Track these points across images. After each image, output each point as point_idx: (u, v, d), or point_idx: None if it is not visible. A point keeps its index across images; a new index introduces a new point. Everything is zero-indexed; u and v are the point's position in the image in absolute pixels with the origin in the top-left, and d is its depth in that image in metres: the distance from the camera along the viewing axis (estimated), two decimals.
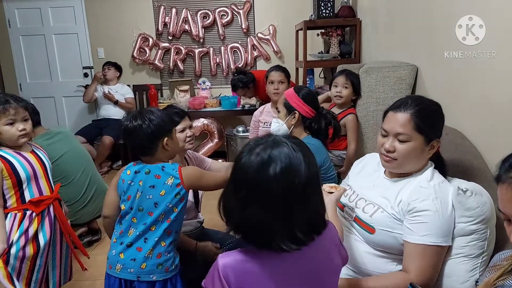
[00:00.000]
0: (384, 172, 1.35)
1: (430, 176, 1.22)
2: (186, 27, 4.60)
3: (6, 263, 1.55)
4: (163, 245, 1.35)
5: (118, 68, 4.52)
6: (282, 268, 0.84)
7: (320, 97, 2.71)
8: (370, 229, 1.24)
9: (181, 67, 4.71)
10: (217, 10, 4.55)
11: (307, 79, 3.45)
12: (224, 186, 0.88)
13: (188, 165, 1.90)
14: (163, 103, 4.20)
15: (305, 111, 1.82)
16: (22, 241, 1.59)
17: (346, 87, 2.35)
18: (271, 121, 2.07)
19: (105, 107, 4.45)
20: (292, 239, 0.80)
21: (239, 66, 4.57)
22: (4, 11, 4.65)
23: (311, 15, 3.51)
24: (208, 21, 4.58)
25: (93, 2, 4.62)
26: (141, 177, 1.36)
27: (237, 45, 4.63)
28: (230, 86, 3.99)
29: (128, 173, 1.39)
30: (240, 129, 4.13)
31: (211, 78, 4.75)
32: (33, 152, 1.73)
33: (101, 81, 4.48)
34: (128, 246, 1.36)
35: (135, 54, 4.66)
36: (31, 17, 4.66)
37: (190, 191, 1.84)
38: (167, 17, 4.58)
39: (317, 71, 4.13)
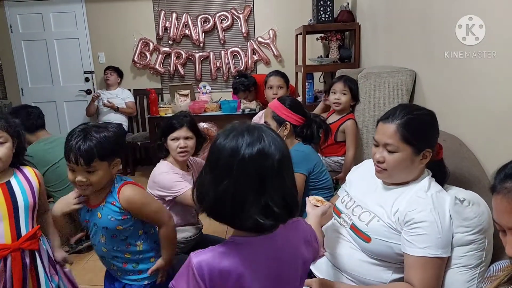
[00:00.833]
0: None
1: (427, 186, 1.21)
2: (187, 31, 4.61)
3: None
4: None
5: (120, 73, 4.55)
6: (255, 259, 0.85)
7: (317, 108, 2.71)
8: (365, 238, 1.23)
9: (182, 72, 4.72)
10: (217, 15, 4.57)
11: (307, 84, 3.44)
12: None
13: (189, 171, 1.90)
14: (163, 107, 4.20)
15: (295, 120, 1.81)
16: None
17: (344, 94, 2.34)
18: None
19: (106, 112, 4.46)
20: (267, 213, 0.80)
21: (239, 70, 4.58)
22: (6, 16, 4.68)
23: (310, 19, 3.51)
24: (209, 25, 4.59)
25: (94, 7, 4.64)
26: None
27: (237, 49, 4.64)
28: (230, 90, 3.99)
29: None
30: None
31: (211, 82, 4.76)
32: (5, 185, 1.41)
33: (96, 101, 4.50)
34: None
35: (135, 59, 4.67)
36: (32, 22, 4.69)
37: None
38: (167, 22, 4.60)
39: (317, 75, 4.13)
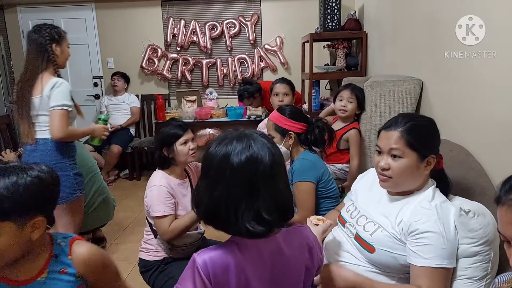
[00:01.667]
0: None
1: (431, 196, 1.21)
2: (194, 38, 4.65)
3: None
4: None
5: (127, 78, 4.61)
6: (256, 258, 0.86)
7: (324, 111, 2.72)
8: (370, 248, 1.22)
9: (189, 78, 4.75)
10: (225, 22, 4.61)
11: (313, 91, 3.46)
12: None
13: (188, 176, 1.91)
14: (170, 113, 4.23)
15: (298, 128, 1.80)
16: None
17: (351, 102, 2.34)
18: None
19: (113, 117, 4.50)
20: (258, 220, 0.82)
21: (245, 77, 4.60)
22: (19, 22, 4.77)
23: (318, 27, 3.53)
24: (216, 32, 4.63)
25: (104, 14, 4.71)
26: None
27: (244, 56, 4.67)
28: (236, 97, 4.01)
29: None
30: None
31: (218, 88, 4.79)
32: None
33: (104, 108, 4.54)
34: None
35: (144, 65, 4.72)
36: None
37: (190, 201, 1.85)
38: (175, 29, 4.64)
39: (323, 83, 4.13)
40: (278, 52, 4.62)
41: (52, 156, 1.96)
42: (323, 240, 1.36)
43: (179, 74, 4.74)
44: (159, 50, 4.68)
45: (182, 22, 4.62)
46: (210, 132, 4.36)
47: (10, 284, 0.95)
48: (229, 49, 4.68)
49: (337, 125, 2.42)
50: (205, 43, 4.65)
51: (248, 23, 4.58)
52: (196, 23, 4.62)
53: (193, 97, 4.58)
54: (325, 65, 3.80)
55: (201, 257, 0.84)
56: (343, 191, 2.30)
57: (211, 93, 4.69)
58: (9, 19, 4.77)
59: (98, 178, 2.68)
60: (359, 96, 2.34)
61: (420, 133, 1.21)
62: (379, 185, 1.31)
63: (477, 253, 1.13)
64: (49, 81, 2.01)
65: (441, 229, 1.12)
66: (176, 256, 1.79)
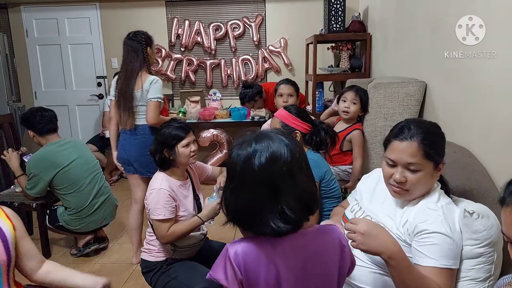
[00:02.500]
0: None
1: (437, 197, 1.20)
2: (199, 39, 4.66)
3: None
4: None
5: None
6: (286, 252, 0.88)
7: (325, 112, 2.71)
8: None
9: (193, 78, 4.76)
10: (229, 23, 4.62)
11: (317, 92, 3.45)
12: None
13: (189, 176, 1.91)
14: (173, 113, 4.24)
15: (304, 128, 1.82)
16: None
17: (354, 103, 2.34)
18: None
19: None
20: (282, 219, 0.84)
21: (246, 79, 4.60)
22: (23, 21, 4.79)
23: (322, 29, 3.53)
24: (220, 33, 4.64)
25: (108, 14, 4.73)
26: None
27: (248, 57, 4.67)
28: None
29: None
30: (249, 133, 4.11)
31: (222, 89, 4.80)
32: None
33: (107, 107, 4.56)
34: None
35: None
36: (48, 27, 4.79)
37: (192, 202, 1.85)
38: (180, 29, 4.65)
39: (327, 84, 4.13)
40: (282, 53, 4.62)
41: (149, 139, 2.23)
42: None
43: (183, 75, 4.75)
44: (163, 51, 4.69)
45: (187, 22, 4.63)
46: (214, 133, 4.37)
47: None
48: (233, 50, 4.68)
49: (340, 126, 2.42)
50: (209, 44, 4.66)
51: (252, 24, 4.58)
52: (201, 24, 4.63)
53: (197, 98, 4.59)
54: (329, 66, 3.80)
55: (234, 247, 0.87)
56: (346, 192, 2.29)
57: (214, 93, 4.69)
58: (13, 18, 4.79)
59: (100, 178, 2.69)
60: (363, 98, 2.33)
61: (435, 142, 1.19)
62: (384, 186, 1.30)
63: (480, 254, 1.13)
64: (147, 78, 2.44)
65: (447, 230, 1.11)
66: (179, 257, 1.79)
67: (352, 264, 1.01)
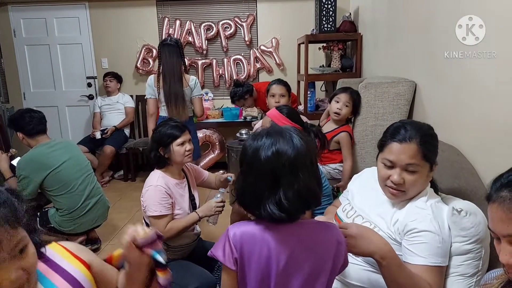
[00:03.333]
0: None
1: (427, 196, 1.22)
2: (190, 38, 4.65)
3: None
4: None
5: (119, 78, 4.60)
6: (282, 237, 0.95)
7: (324, 113, 2.72)
8: None
9: None
10: (221, 23, 4.61)
11: (308, 92, 3.47)
12: None
13: (186, 177, 1.92)
14: None
15: None
16: None
17: (347, 106, 2.34)
18: None
19: (107, 117, 4.49)
20: (278, 206, 0.92)
21: (237, 79, 4.59)
22: (10, 21, 4.71)
23: (313, 29, 3.55)
24: (212, 33, 4.64)
25: (98, 13, 4.69)
26: None
27: (240, 57, 4.68)
28: None
29: None
30: (243, 131, 4.04)
31: (213, 89, 4.79)
32: None
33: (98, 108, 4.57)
34: None
35: (138, 65, 4.71)
36: (36, 27, 4.73)
37: (187, 201, 1.86)
38: (171, 29, 4.64)
39: (318, 84, 4.16)
40: (273, 53, 4.63)
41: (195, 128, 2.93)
42: None
43: None
44: (154, 50, 4.67)
45: (178, 22, 4.61)
46: (206, 133, 4.37)
47: None
48: (224, 49, 4.68)
49: (329, 127, 2.44)
50: (200, 44, 4.65)
51: (244, 24, 4.59)
52: (192, 24, 4.62)
53: None
54: (320, 66, 3.83)
55: (234, 229, 0.96)
56: (338, 191, 2.31)
57: (206, 93, 4.69)
58: (0, 18, 4.72)
59: (92, 179, 2.68)
60: (356, 102, 2.34)
61: (431, 143, 1.21)
62: (375, 185, 1.32)
63: (469, 251, 1.16)
64: (190, 78, 3.05)
65: (436, 228, 1.14)
66: (172, 257, 1.80)
67: (345, 262, 1.03)
